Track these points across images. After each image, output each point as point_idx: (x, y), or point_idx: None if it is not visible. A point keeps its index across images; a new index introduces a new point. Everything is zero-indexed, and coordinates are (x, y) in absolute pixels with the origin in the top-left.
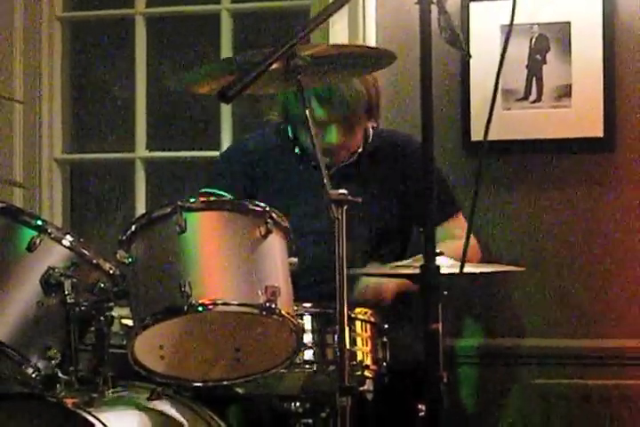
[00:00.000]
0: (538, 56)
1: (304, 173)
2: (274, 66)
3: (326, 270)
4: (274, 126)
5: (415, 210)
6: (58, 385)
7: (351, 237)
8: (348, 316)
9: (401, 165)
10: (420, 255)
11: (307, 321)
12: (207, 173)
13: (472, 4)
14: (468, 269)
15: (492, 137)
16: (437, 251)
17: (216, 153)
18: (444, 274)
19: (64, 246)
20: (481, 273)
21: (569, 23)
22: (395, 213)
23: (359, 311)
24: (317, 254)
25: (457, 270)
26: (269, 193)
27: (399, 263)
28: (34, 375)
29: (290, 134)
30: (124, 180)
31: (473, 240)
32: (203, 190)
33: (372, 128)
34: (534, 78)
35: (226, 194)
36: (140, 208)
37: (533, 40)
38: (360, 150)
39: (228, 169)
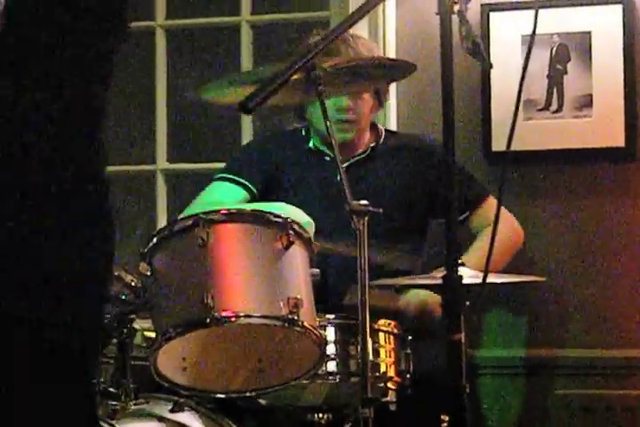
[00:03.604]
0: (558, 66)
1: (317, 170)
2: (294, 77)
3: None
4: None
5: (436, 205)
6: None
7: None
8: (372, 327)
9: (419, 163)
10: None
11: (329, 332)
12: (226, 163)
13: (492, 14)
14: (489, 279)
15: (512, 147)
16: (459, 262)
17: None
18: (465, 284)
19: None
20: (502, 283)
21: (589, 33)
22: (408, 211)
23: (382, 323)
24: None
25: (479, 280)
26: (283, 189)
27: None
28: None
29: (303, 133)
30: (145, 192)
31: (513, 223)
32: (220, 175)
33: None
34: (555, 88)
35: (243, 180)
36: (162, 220)
37: (554, 50)
38: (372, 145)
39: (246, 160)
